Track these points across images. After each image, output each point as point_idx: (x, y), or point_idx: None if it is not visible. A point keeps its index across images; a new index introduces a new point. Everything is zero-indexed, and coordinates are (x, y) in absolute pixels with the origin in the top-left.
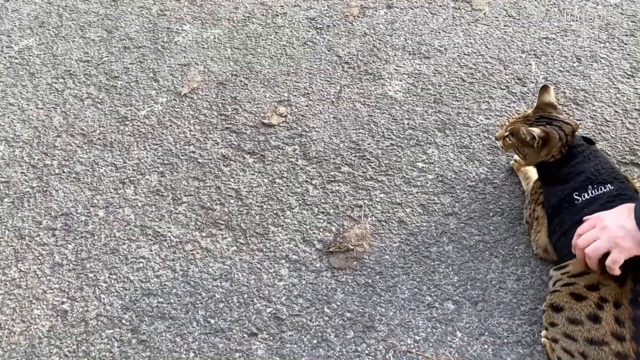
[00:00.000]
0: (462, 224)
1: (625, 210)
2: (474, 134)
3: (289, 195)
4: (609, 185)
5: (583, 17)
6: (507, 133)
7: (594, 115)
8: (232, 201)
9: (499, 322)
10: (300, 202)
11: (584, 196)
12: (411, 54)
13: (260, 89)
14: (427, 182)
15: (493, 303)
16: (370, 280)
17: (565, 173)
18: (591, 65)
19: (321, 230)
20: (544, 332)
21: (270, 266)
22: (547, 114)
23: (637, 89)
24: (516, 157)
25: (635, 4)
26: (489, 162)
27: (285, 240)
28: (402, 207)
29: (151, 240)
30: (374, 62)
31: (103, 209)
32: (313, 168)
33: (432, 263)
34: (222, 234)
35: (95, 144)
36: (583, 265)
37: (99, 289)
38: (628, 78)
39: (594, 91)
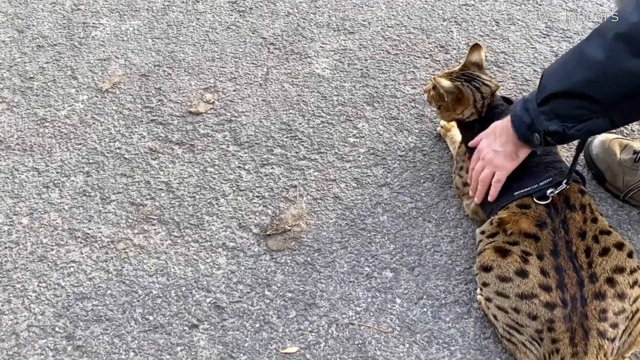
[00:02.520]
0: (395, 194)
1: (490, 133)
2: (401, 104)
3: (222, 182)
4: None
5: None
6: (431, 86)
7: (515, 75)
8: (163, 195)
9: (435, 284)
10: (234, 188)
11: None
12: (336, 31)
13: (185, 77)
14: (359, 156)
15: (429, 267)
16: (309, 259)
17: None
18: (509, 27)
19: (257, 214)
20: (478, 291)
21: (207, 256)
22: (469, 72)
23: (552, 47)
24: (442, 122)
25: None
26: (417, 131)
27: (221, 228)
28: (336, 183)
29: (81, 242)
30: (299, 41)
31: (27, 216)
32: (245, 153)
33: (369, 234)
34: (155, 229)
35: (14, 150)
36: (482, 198)
37: (28, 299)
38: (544, 37)
39: (513, 52)
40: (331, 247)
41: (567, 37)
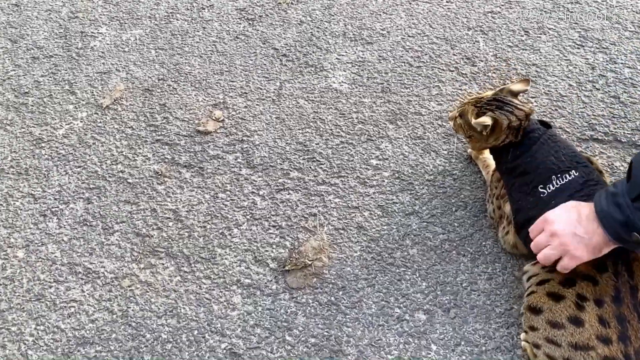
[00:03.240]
0: (425, 223)
1: (574, 212)
2: (427, 122)
3: (234, 210)
4: (572, 171)
5: None
6: (457, 114)
7: (549, 90)
8: (170, 224)
9: (474, 328)
10: (248, 217)
11: (549, 188)
12: (353, 41)
13: (192, 92)
14: (384, 181)
15: (466, 308)
16: (333, 298)
17: (524, 163)
18: (539, 37)
19: (274, 246)
20: (523, 335)
21: (220, 295)
22: (501, 97)
23: (587, 59)
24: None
25: None
26: (445, 152)
27: (235, 262)
28: (359, 210)
29: (82, 279)
30: (313, 52)
31: (23, 249)
32: (259, 177)
33: (398, 270)
34: (163, 263)
35: (8, 173)
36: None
37: (24, 344)
38: (578, 48)
39: (545, 65)
40: (357, 284)
41: (603, 47)
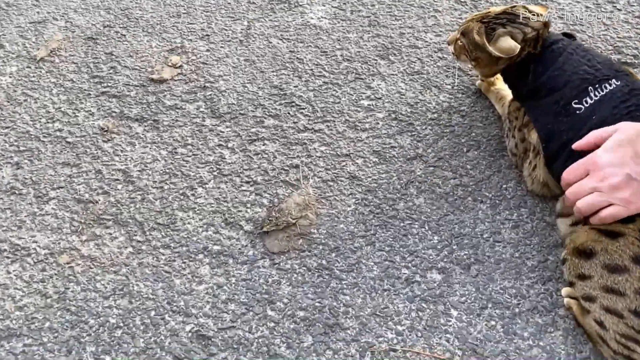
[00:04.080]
0: (432, 168)
1: (629, 149)
2: (425, 55)
3: (198, 167)
4: (613, 80)
5: None
6: (459, 34)
7: (563, 14)
8: (119, 187)
9: (502, 286)
10: (214, 173)
11: (586, 102)
12: None
13: (144, 38)
14: (378, 123)
15: (490, 263)
16: (324, 261)
17: (550, 79)
18: None
19: (249, 205)
20: (565, 291)
21: (183, 266)
22: (511, 10)
23: None
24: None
25: None
26: (449, 87)
27: (201, 227)
28: (351, 158)
29: (8, 257)
30: None
31: None
32: (227, 127)
33: (402, 224)
34: (111, 233)
35: None
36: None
37: None
38: None
39: None
40: (353, 243)
41: None
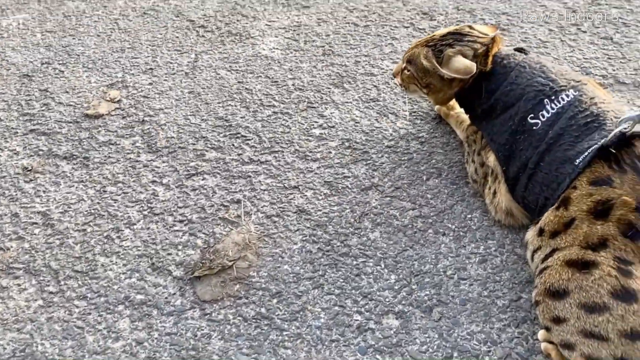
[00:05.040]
0: (388, 198)
1: None
2: (381, 83)
3: (127, 206)
4: (571, 91)
5: None
6: (404, 63)
7: (526, 37)
8: (36, 231)
9: (470, 331)
10: (145, 212)
11: (543, 115)
12: (285, 6)
13: (83, 73)
14: (331, 152)
15: (455, 304)
16: (263, 309)
17: (504, 95)
18: None
19: (180, 247)
20: (542, 334)
21: (99, 320)
22: (457, 30)
23: (565, 3)
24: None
25: None
26: (407, 114)
27: (124, 273)
28: (299, 190)
29: None
30: (238, 20)
31: None
32: (164, 162)
33: (355, 262)
34: (20, 284)
35: None
36: None
37: None
38: None
39: (517, 13)
40: (298, 287)
41: None
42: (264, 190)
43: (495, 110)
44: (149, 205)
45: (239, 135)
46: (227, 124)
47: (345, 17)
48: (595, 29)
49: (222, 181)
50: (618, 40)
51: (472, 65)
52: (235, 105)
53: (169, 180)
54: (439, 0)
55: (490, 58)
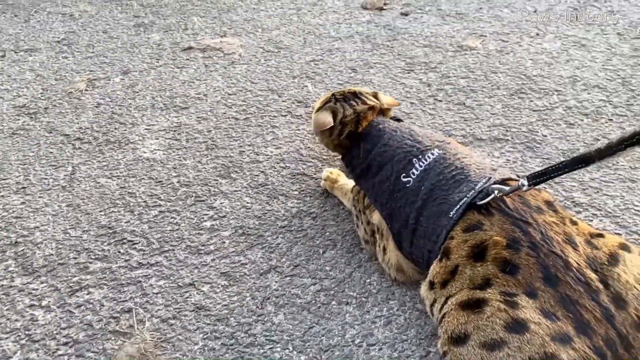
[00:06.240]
0: (288, 278)
1: None
2: (267, 168)
3: (0, 339)
4: (436, 150)
5: (342, 36)
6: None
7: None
8: None
9: None
10: (23, 341)
11: (413, 173)
12: (164, 110)
13: None
14: (224, 242)
15: None
16: None
17: (378, 155)
18: (368, 71)
19: None
20: None
21: None
22: (355, 90)
23: (421, 79)
24: (324, 174)
25: (383, 17)
26: (296, 193)
27: None
28: (195, 287)
29: None
30: (116, 129)
31: None
32: (42, 282)
33: (262, 350)
34: None
35: None
36: None
37: None
38: (408, 73)
39: (381, 90)
40: None
41: (432, 68)
42: (157, 293)
43: (371, 169)
44: (26, 332)
45: (124, 240)
46: (111, 231)
47: (225, 113)
48: (449, 98)
49: (109, 292)
50: (470, 104)
51: (329, 123)
52: (119, 211)
53: (49, 302)
54: (310, 90)
55: (364, 123)
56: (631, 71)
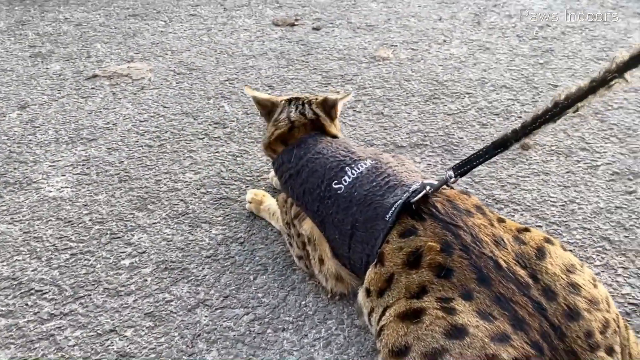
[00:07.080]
0: (219, 310)
1: None
2: (187, 195)
3: None
4: (368, 160)
5: (256, 53)
6: None
7: None
8: None
9: None
10: None
11: (345, 180)
12: (69, 143)
13: None
14: (146, 280)
15: None
16: None
17: (311, 161)
18: (285, 87)
19: None
20: None
21: None
22: (299, 99)
23: (338, 92)
24: (249, 196)
25: (295, 33)
26: (221, 218)
27: None
28: (117, 332)
29: None
30: (15, 168)
31: None
32: None
33: None
34: None
35: None
36: None
37: None
38: (325, 86)
39: None
40: None
41: (348, 80)
42: (73, 345)
43: (301, 174)
44: None
45: (32, 291)
46: (15, 282)
47: (137, 141)
48: (367, 108)
49: (17, 351)
50: (387, 113)
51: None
52: (24, 259)
53: None
54: (228, 109)
55: (300, 134)
56: (533, 70)
